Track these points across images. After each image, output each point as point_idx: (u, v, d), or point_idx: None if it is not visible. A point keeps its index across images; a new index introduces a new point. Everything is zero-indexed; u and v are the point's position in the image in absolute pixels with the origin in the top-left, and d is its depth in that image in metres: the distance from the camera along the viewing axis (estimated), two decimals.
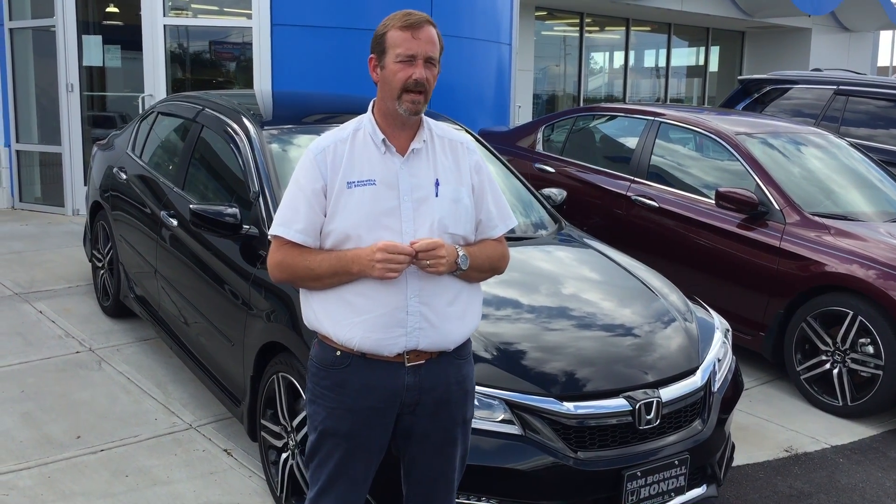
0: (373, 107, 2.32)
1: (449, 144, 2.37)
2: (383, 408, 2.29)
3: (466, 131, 4.87)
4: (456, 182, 2.33)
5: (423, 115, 2.32)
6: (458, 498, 2.84)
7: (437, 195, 2.28)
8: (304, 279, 2.27)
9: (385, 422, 2.31)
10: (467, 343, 2.42)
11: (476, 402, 2.87)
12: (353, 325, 2.24)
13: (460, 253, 2.26)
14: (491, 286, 3.57)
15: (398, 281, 2.21)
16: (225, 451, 3.88)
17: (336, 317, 2.26)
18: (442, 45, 2.27)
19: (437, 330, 2.28)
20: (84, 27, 8.79)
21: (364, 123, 2.31)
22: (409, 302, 2.24)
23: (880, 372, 4.47)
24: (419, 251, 2.17)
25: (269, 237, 2.31)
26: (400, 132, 2.29)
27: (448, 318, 2.30)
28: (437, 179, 2.30)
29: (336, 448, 2.31)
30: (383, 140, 2.27)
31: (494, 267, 2.45)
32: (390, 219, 2.23)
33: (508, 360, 3.04)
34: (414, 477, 2.44)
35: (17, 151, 9.29)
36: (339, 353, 2.28)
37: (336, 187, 2.23)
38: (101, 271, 5.70)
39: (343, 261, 2.20)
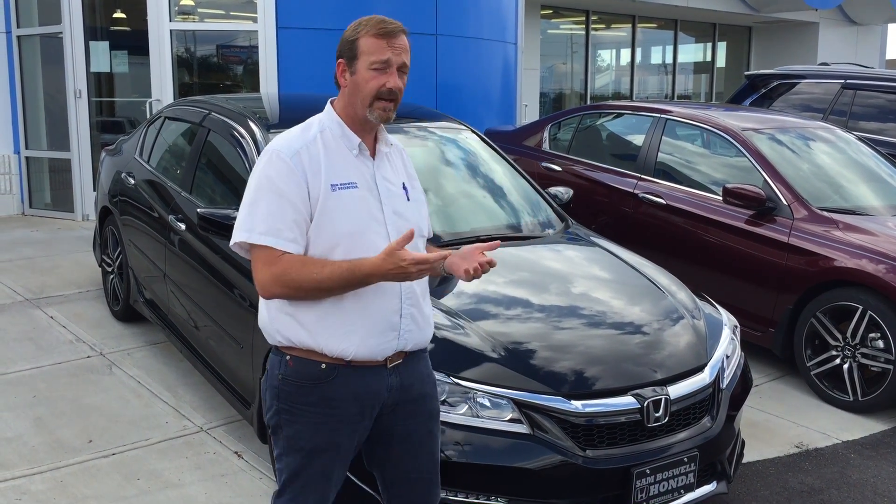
0: (333, 108, 2.26)
1: (395, 149, 2.38)
2: (368, 412, 2.26)
3: (472, 131, 4.89)
4: (412, 184, 2.36)
5: None
6: (467, 497, 2.86)
7: (408, 199, 2.30)
8: (311, 291, 2.13)
9: (367, 425, 2.28)
10: None
11: (486, 402, 2.89)
12: (348, 334, 2.18)
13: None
14: (500, 286, 3.58)
15: (392, 285, 2.20)
16: (235, 453, 3.89)
17: (332, 328, 2.17)
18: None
19: (421, 329, 2.30)
20: (91, 33, 8.83)
21: (328, 125, 2.23)
22: (403, 305, 2.23)
23: (891, 366, 4.45)
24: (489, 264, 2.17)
25: (243, 244, 2.16)
26: (367, 136, 2.25)
27: (426, 317, 2.33)
28: (402, 183, 2.31)
29: (327, 463, 2.25)
30: (360, 143, 2.22)
31: None
32: (377, 223, 2.20)
33: (516, 360, 3.05)
34: (397, 477, 2.39)
35: (27, 158, 9.34)
36: (324, 365, 2.19)
37: (321, 191, 2.13)
38: (111, 276, 5.73)
39: (358, 275, 2.09)
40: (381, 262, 2.06)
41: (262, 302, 2.27)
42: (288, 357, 2.24)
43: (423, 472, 2.40)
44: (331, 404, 2.21)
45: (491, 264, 2.18)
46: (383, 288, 2.19)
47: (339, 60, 2.21)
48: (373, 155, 2.26)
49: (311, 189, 2.13)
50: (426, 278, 2.32)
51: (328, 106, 2.28)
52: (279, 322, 2.23)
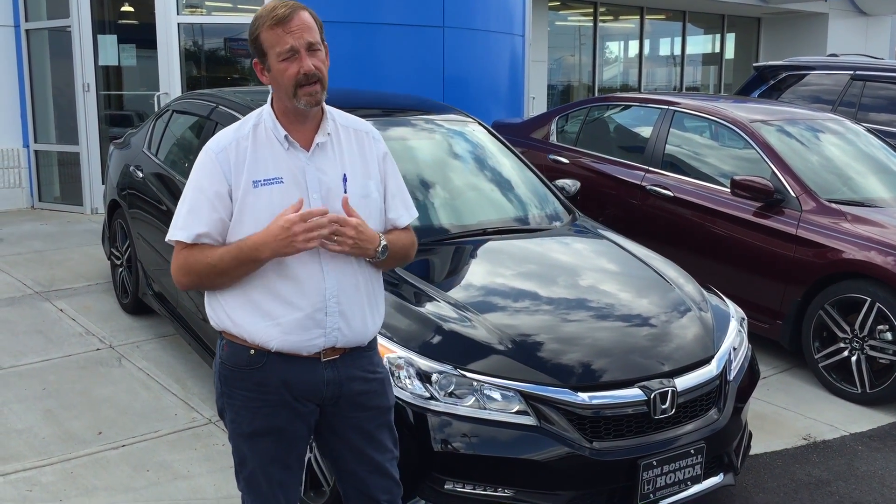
0: (271, 101, 2.23)
1: (354, 134, 2.30)
2: (305, 400, 2.24)
3: (479, 124, 4.89)
4: (363, 176, 2.26)
5: (325, 105, 2.24)
6: (475, 489, 2.87)
7: (345, 191, 2.20)
8: (209, 277, 2.15)
9: (309, 410, 2.26)
10: (373, 337, 2.37)
11: (494, 395, 2.90)
12: (267, 326, 2.16)
13: (383, 242, 2.21)
14: (507, 278, 3.59)
15: (316, 281, 2.16)
16: None
17: (252, 317, 2.17)
18: (321, 25, 2.18)
19: (353, 328, 2.24)
20: (99, 27, 8.85)
21: (263, 118, 2.21)
22: (329, 303, 2.18)
23: None
24: (333, 221, 2.08)
25: (167, 241, 2.21)
26: (302, 126, 2.20)
27: (361, 316, 2.26)
28: (344, 175, 2.22)
29: (269, 447, 2.25)
30: (286, 136, 2.18)
31: (406, 256, 2.41)
32: None
33: (524, 352, 3.06)
34: (346, 471, 2.38)
35: (36, 151, 9.37)
36: (252, 352, 2.20)
37: (241, 187, 2.13)
38: (120, 269, 5.76)
39: (245, 249, 2.09)
40: (267, 228, 2.06)
41: None
42: (224, 342, 2.26)
43: (373, 466, 2.36)
44: (264, 390, 2.22)
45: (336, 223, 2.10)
46: (305, 284, 2.16)
47: (255, 61, 2.19)
48: (308, 146, 2.21)
49: (234, 186, 2.14)
50: (368, 272, 2.26)
51: (268, 99, 2.26)
52: (211, 307, 2.26)
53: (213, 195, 2.14)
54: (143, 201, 5.24)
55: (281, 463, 2.28)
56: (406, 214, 2.38)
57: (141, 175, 5.36)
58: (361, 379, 2.30)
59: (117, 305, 5.81)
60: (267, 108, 2.24)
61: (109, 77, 9.26)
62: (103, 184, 6.96)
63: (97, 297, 6.01)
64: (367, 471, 2.36)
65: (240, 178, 2.15)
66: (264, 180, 2.15)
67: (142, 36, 8.91)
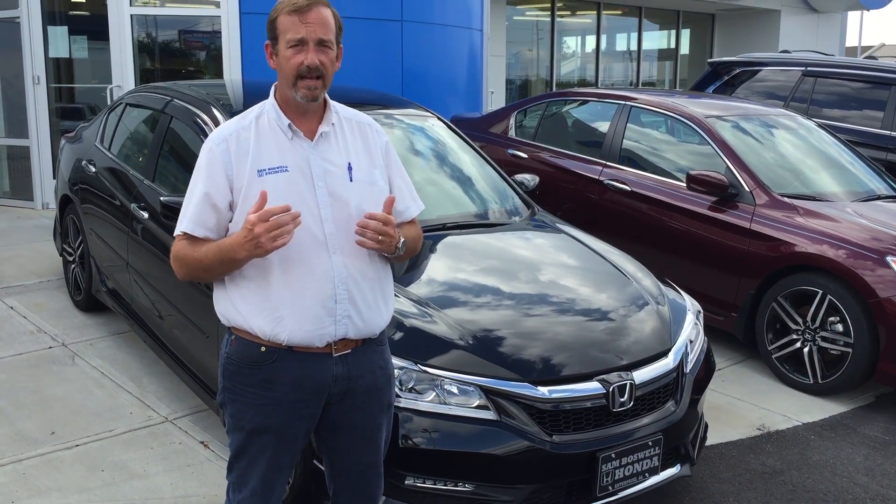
0: (275, 91, 2.25)
1: (357, 127, 2.32)
2: (313, 399, 2.23)
3: (438, 118, 4.88)
4: (368, 165, 2.27)
5: (328, 98, 2.26)
6: (435, 484, 2.88)
7: (351, 179, 2.22)
8: (197, 270, 2.19)
9: (313, 412, 2.25)
10: (384, 328, 2.37)
11: (454, 390, 2.90)
12: (281, 318, 2.15)
13: (401, 238, 2.21)
14: (467, 273, 3.59)
15: (325, 269, 2.15)
16: (201, 443, 3.87)
17: (262, 311, 2.16)
18: (340, 26, 2.19)
19: (364, 317, 2.23)
20: (50, 18, 8.65)
21: (267, 109, 2.23)
22: (338, 290, 2.17)
23: (849, 349, 4.54)
24: (371, 223, 2.10)
25: (174, 235, 2.22)
26: (304, 117, 2.22)
27: (373, 303, 2.26)
28: (349, 163, 2.23)
29: (268, 445, 2.24)
30: (289, 125, 2.19)
31: (415, 249, 2.42)
32: (307, 206, 2.14)
33: (484, 347, 3.06)
34: (344, 468, 2.38)
35: None
36: (263, 348, 2.18)
37: (245, 177, 2.14)
38: (73, 265, 5.65)
39: (225, 248, 2.09)
40: (238, 232, 2.06)
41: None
42: (233, 337, 2.24)
43: (369, 464, 2.38)
44: (270, 387, 2.20)
45: (376, 219, 2.12)
46: (314, 272, 2.15)
47: (266, 43, 2.20)
48: (312, 136, 2.22)
49: (236, 176, 2.15)
50: (376, 260, 2.25)
51: (272, 89, 2.26)
52: (220, 302, 2.26)
53: (217, 187, 2.15)
54: (96, 196, 5.14)
55: (275, 462, 2.27)
56: (414, 206, 2.41)
57: (93, 170, 5.26)
58: (371, 373, 2.30)
59: (70, 303, 5.70)
60: (271, 99, 2.24)
61: (60, 69, 9.06)
62: (55, 178, 6.82)
63: (49, 295, 5.89)
64: (362, 469, 2.37)
65: (242, 168, 2.15)
66: (269, 169, 2.15)
67: (94, 27, 8.73)
